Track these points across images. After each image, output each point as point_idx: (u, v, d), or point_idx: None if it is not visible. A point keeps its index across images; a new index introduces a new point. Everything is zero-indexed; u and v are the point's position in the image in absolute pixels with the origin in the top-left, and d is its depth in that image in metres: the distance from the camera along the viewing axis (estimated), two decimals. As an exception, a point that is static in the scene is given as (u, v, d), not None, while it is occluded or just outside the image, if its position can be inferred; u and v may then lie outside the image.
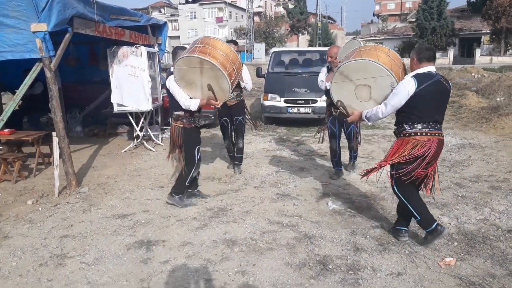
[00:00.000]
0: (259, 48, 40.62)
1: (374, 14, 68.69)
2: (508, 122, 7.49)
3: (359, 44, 4.18)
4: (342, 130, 5.06)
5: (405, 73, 3.17)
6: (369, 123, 3.45)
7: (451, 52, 36.15)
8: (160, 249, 3.29)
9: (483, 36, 36.52)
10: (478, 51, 34.37)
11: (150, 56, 6.71)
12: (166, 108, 6.07)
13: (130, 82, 6.35)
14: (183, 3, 58.33)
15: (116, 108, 6.59)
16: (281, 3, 65.96)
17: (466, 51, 37.26)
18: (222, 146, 6.32)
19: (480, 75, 16.57)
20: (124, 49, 6.29)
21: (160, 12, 60.17)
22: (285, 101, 8.30)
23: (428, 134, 3.02)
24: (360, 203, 4.21)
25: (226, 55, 3.70)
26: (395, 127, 3.21)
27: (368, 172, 3.31)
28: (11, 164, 5.23)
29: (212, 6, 56.31)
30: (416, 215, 3.14)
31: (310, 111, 8.23)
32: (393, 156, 3.10)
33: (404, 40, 40.12)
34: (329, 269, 2.94)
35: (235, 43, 5.19)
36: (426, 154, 3.00)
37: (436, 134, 3.05)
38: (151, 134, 7.18)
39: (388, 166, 3.21)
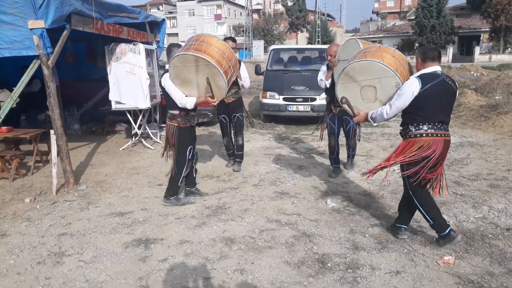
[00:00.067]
0: (258, 45, 40.56)
1: (373, 12, 68.67)
2: (507, 120, 7.49)
3: (357, 44, 4.17)
4: (342, 127, 5.05)
5: (411, 74, 3.16)
6: (374, 124, 3.43)
7: (450, 50, 36.17)
8: (159, 247, 3.28)
9: (482, 34, 36.54)
10: (477, 49, 34.38)
11: (148, 53, 6.69)
12: (165, 105, 6.05)
13: (128, 79, 6.32)
14: (181, 0, 58.14)
15: (114, 106, 6.57)
16: (280, 1, 65.80)
17: (465, 49, 37.26)
18: (220, 144, 6.31)
19: (479, 73, 16.57)
20: (122, 46, 6.26)
21: (158, 9, 60.02)
22: (284, 99, 8.28)
23: (434, 134, 3.00)
24: (359, 201, 4.21)
25: (222, 52, 3.67)
26: (401, 129, 3.20)
27: (371, 172, 3.28)
28: (8, 162, 5.21)
29: (211, 3, 56.17)
30: (429, 219, 3.14)
31: (309, 109, 8.22)
32: (397, 157, 3.08)
33: (403, 38, 40.12)
34: (328, 268, 2.93)
35: (233, 40, 5.15)
36: (432, 155, 2.98)
37: (443, 135, 3.02)
38: (149, 132, 7.15)
39: (398, 167, 3.17)
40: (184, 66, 3.63)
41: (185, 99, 3.78)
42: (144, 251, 3.23)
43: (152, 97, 6.71)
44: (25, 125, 7.84)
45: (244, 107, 5.51)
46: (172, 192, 4.15)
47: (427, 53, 3.04)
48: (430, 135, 3.00)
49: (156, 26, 7.62)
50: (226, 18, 55.87)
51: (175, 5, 58.32)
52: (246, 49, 44.01)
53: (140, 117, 6.87)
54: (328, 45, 5.59)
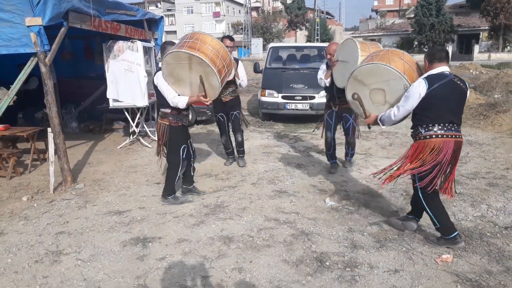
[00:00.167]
0: (257, 43, 40.47)
1: (372, 10, 68.59)
2: (505, 119, 7.49)
3: (355, 44, 4.16)
4: (341, 124, 5.04)
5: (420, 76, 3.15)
6: (383, 127, 3.42)
7: (450, 49, 36.08)
8: (156, 246, 3.27)
9: (481, 33, 36.54)
10: (476, 48, 34.36)
11: (146, 51, 6.65)
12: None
13: (126, 77, 6.29)
14: (180, -3, 58.00)
15: (111, 104, 6.54)
16: (279, -2, 65.68)
17: (465, 48, 37.26)
18: (218, 142, 6.29)
19: (478, 71, 16.58)
20: (120, 44, 6.23)
21: (157, 6, 59.85)
22: (283, 97, 8.26)
23: (444, 136, 2.96)
24: (357, 200, 4.21)
25: (216, 51, 3.62)
26: (411, 131, 3.19)
27: (386, 179, 3.17)
28: (6, 160, 5.18)
29: (209, 0, 56.06)
30: (436, 222, 3.13)
31: (308, 107, 8.21)
32: (410, 163, 3.05)
33: (402, 36, 40.07)
34: (326, 266, 2.93)
35: (231, 39, 5.12)
36: (443, 160, 2.95)
37: (453, 136, 2.98)
38: (147, 130, 7.13)
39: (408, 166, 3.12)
40: (177, 64, 3.59)
41: (177, 98, 3.74)
42: (142, 249, 3.22)
43: (150, 95, 6.66)
44: (23, 123, 7.81)
45: (241, 107, 5.50)
46: (169, 191, 4.14)
47: (434, 54, 3.03)
48: (440, 136, 2.96)
49: (154, 23, 7.59)
50: (224, 15, 55.76)
51: (174, 3, 58.16)
52: (244, 47, 43.91)
53: (138, 115, 6.85)
54: (327, 43, 5.57)
